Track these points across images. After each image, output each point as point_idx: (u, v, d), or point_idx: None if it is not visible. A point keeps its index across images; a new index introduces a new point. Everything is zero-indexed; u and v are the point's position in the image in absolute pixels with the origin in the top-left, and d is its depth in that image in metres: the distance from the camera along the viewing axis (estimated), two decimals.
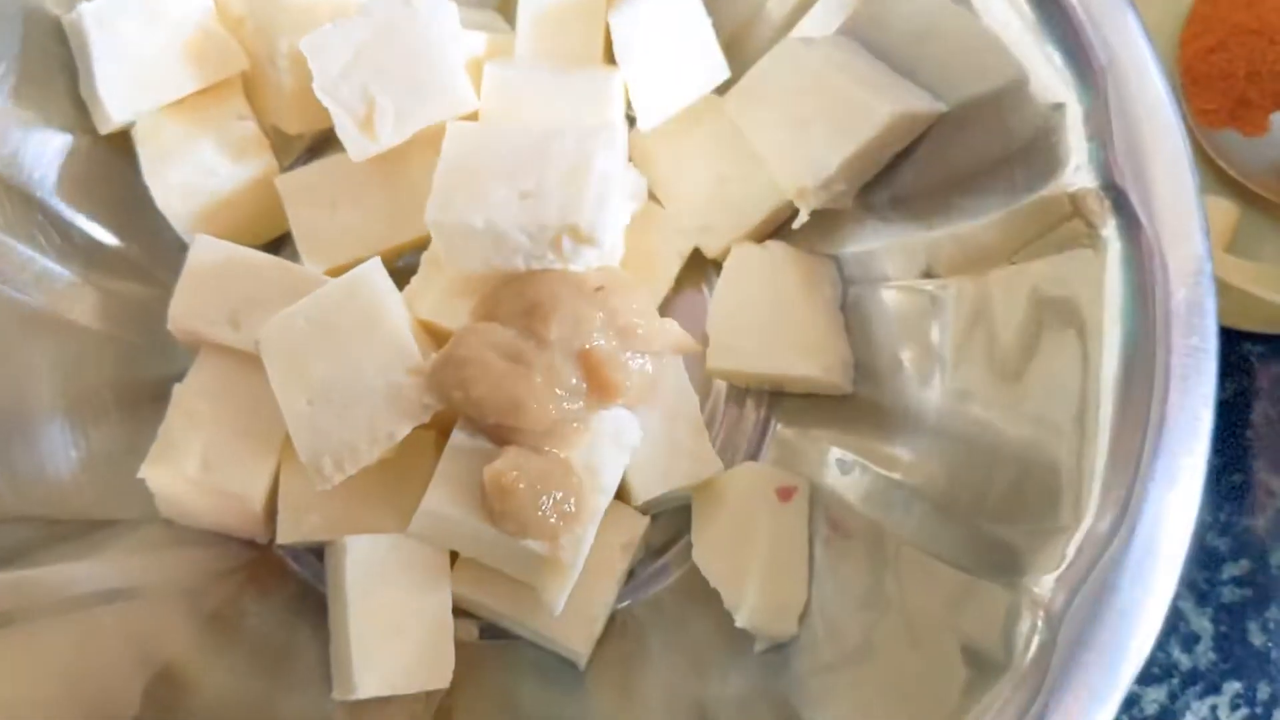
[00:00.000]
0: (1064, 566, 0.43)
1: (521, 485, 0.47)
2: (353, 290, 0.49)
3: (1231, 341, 0.63)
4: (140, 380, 0.58)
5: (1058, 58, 0.47)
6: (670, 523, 0.59)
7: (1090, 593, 0.42)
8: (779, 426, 0.60)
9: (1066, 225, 0.47)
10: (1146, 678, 0.60)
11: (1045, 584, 0.43)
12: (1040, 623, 0.43)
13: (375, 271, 0.50)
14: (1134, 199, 0.45)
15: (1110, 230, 0.45)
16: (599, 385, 0.50)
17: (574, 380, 0.49)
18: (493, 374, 0.48)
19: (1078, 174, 0.47)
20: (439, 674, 0.52)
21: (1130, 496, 0.43)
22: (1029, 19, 0.47)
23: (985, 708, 0.42)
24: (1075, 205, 0.47)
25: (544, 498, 0.48)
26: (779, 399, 0.60)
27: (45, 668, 0.47)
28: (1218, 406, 0.60)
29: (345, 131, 0.52)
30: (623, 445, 0.51)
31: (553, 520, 0.48)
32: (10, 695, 0.45)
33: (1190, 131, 0.63)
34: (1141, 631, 0.41)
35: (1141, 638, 0.41)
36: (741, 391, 0.61)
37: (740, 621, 0.53)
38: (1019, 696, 0.42)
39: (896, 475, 0.54)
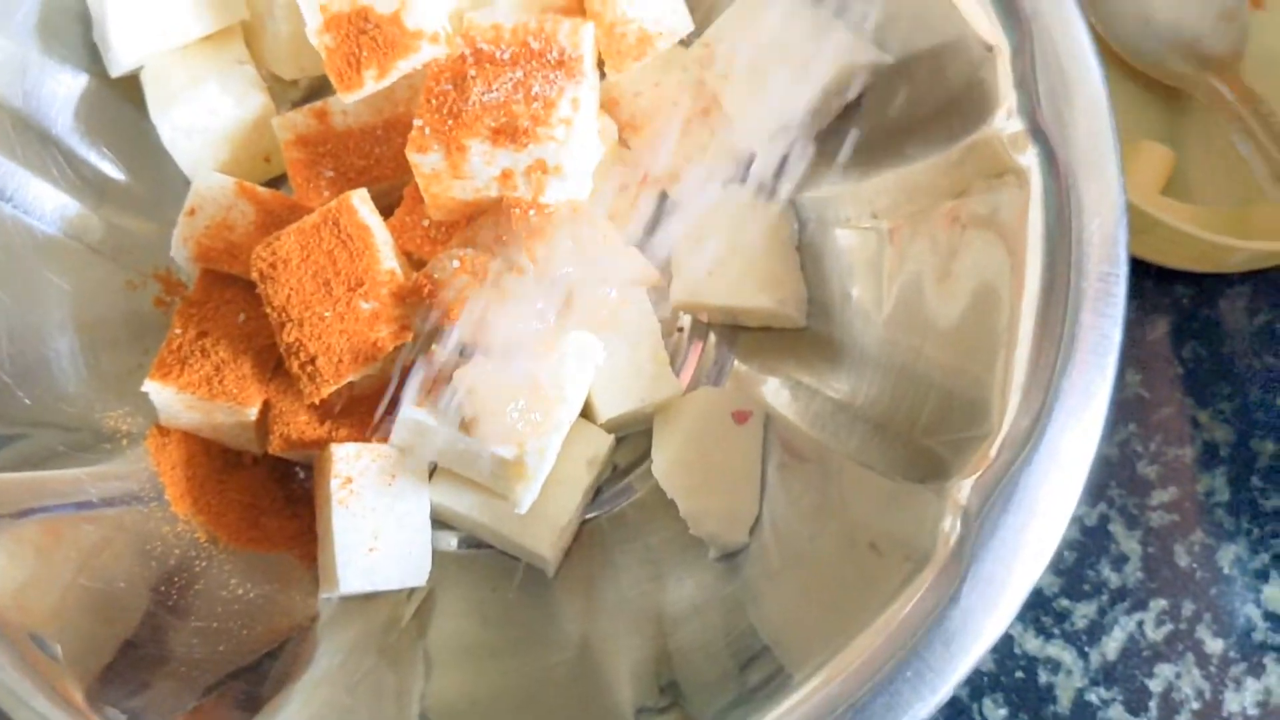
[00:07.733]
0: (982, 470, 0.47)
1: (491, 393, 0.51)
2: (339, 215, 0.54)
3: (1165, 284, 0.67)
4: (144, 310, 0.62)
5: (992, 11, 0.51)
6: (634, 446, 0.63)
7: (1003, 492, 0.46)
8: (737, 359, 0.64)
9: (999, 165, 0.52)
10: (1078, 594, 0.64)
11: (964, 487, 0.48)
12: (958, 521, 0.47)
13: (360, 199, 0.54)
14: (1054, 139, 0.50)
15: (1034, 166, 0.50)
16: (567, 308, 0.54)
17: (541, 304, 0.54)
18: (466, 295, 0.52)
19: (1009, 119, 0.51)
20: (418, 572, 0.56)
21: (1044, 403, 0.47)
22: None
23: (914, 592, 0.46)
24: (1006, 147, 0.51)
25: (511, 406, 0.52)
26: (737, 333, 0.64)
27: (59, 555, 0.52)
28: (1149, 344, 0.64)
29: (335, 75, 0.56)
30: (586, 362, 0.55)
31: (520, 427, 0.52)
32: (28, 575, 0.50)
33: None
34: (1045, 525, 0.46)
35: (1045, 530, 0.46)
36: (704, 327, 0.65)
37: (694, 530, 0.58)
38: (941, 582, 0.46)
39: (842, 398, 0.58)
